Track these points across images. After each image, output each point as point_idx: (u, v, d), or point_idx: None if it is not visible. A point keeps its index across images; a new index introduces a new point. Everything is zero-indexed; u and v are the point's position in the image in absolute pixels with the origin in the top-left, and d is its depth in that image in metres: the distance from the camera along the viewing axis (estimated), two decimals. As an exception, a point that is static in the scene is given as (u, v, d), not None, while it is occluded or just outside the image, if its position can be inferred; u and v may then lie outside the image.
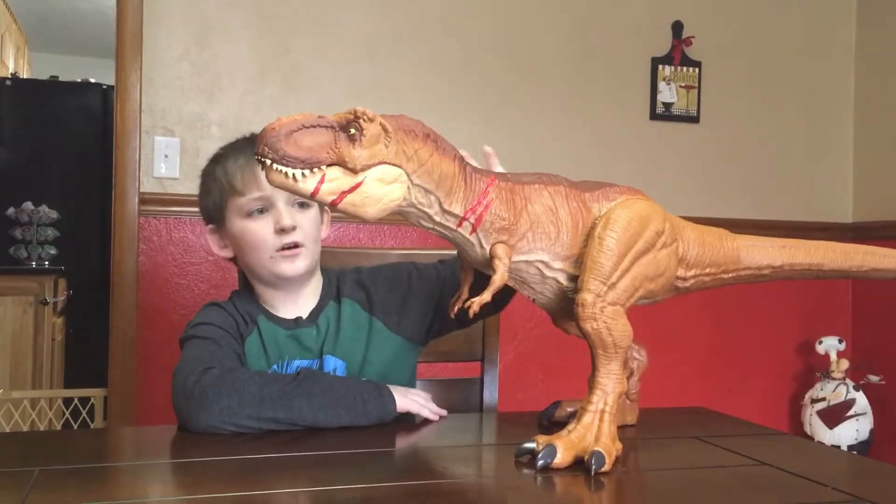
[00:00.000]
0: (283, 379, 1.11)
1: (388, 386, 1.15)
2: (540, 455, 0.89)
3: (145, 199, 2.49)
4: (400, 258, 1.52)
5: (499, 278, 0.91)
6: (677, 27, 2.99)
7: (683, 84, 2.99)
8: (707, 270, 1.04)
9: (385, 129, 0.85)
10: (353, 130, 0.83)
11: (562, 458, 0.90)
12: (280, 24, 2.61)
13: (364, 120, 0.83)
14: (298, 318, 1.30)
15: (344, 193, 0.84)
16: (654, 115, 2.97)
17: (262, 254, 1.26)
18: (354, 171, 0.84)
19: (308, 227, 1.27)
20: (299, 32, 2.63)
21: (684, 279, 1.04)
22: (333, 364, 1.27)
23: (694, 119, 3.01)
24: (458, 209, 0.90)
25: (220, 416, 1.05)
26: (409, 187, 0.87)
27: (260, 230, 1.25)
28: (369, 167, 0.84)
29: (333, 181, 0.83)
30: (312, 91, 2.62)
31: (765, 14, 3.11)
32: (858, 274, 1.10)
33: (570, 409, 1.10)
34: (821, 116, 3.19)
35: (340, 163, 0.83)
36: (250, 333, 1.27)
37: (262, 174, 0.85)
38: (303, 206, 1.27)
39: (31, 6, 5.60)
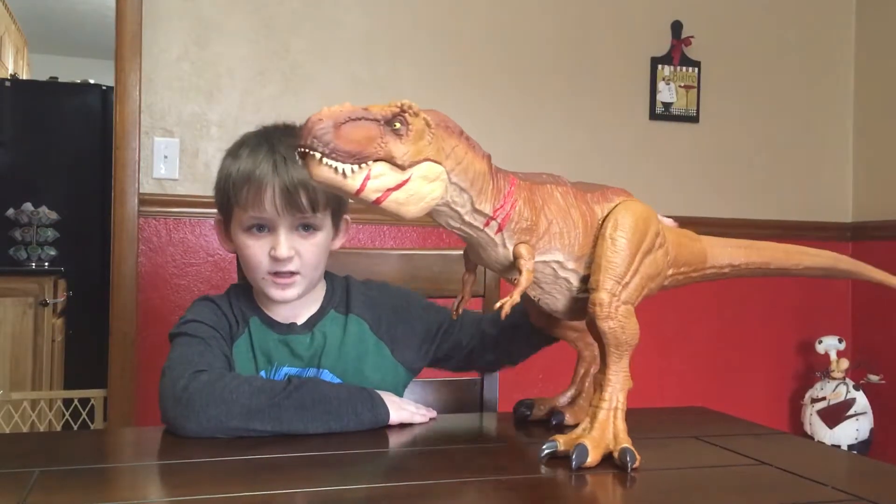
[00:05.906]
0: (273, 387, 1.06)
1: (381, 393, 1.12)
2: (574, 456, 0.90)
3: (145, 200, 2.49)
4: (400, 259, 1.52)
5: (524, 279, 0.89)
6: (676, 27, 2.99)
7: (683, 84, 2.99)
8: (681, 270, 1.06)
9: (428, 125, 0.81)
10: (398, 125, 0.79)
11: (592, 457, 0.90)
12: (279, 24, 2.61)
13: (410, 114, 0.79)
14: (293, 325, 1.25)
15: (389, 191, 0.79)
16: (653, 115, 2.97)
17: (256, 273, 1.21)
18: (402, 168, 0.79)
19: (308, 254, 1.20)
20: (299, 32, 2.63)
21: (666, 278, 1.05)
22: (329, 379, 1.22)
23: (693, 119, 3.01)
24: (487, 208, 0.88)
25: (207, 424, 1.03)
26: (446, 186, 0.84)
27: (256, 250, 1.19)
28: (415, 164, 0.80)
29: (379, 177, 0.78)
30: (312, 91, 2.62)
31: (764, 14, 3.12)
32: (796, 271, 1.17)
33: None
34: (820, 116, 3.19)
35: (388, 158, 0.79)
36: (240, 335, 1.23)
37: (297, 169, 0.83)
38: (307, 229, 1.20)
39: (30, 7, 5.60)
